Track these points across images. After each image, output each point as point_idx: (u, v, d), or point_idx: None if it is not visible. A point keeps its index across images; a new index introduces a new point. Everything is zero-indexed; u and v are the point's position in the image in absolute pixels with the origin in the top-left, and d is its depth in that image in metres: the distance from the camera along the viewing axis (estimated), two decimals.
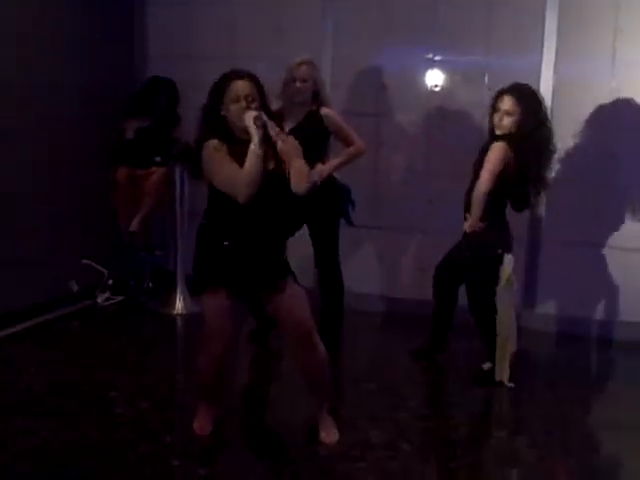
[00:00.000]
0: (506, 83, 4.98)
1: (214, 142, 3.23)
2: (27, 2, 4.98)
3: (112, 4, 5.76)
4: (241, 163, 3.17)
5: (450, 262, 4.46)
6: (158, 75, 5.75)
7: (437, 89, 5.38)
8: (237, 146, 3.23)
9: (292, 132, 4.00)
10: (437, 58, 5.36)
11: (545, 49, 5.09)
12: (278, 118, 3.53)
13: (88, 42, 5.50)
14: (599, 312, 5.22)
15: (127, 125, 5.64)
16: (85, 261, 5.59)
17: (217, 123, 3.28)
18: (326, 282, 4.73)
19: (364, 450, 3.52)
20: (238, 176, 3.15)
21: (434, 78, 5.39)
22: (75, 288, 5.55)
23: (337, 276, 4.73)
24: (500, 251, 4.21)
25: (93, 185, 5.57)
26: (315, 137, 4.43)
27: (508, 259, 4.22)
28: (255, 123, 3.15)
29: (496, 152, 4.15)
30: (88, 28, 5.50)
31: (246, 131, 3.19)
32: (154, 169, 5.61)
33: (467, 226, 4.24)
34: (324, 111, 4.48)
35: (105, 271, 5.68)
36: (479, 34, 5.24)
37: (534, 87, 4.91)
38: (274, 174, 3.26)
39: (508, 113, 4.18)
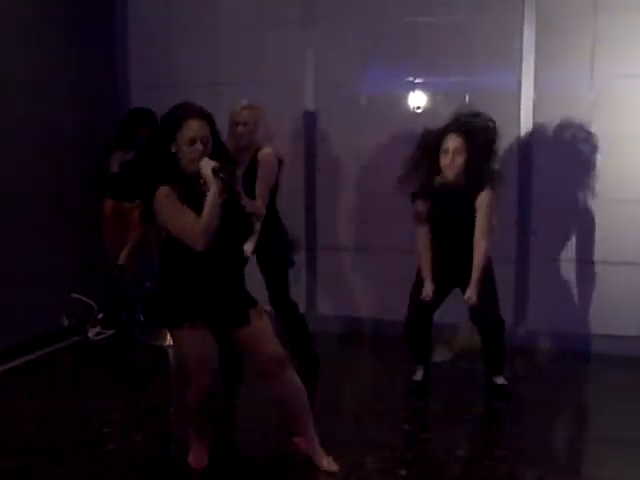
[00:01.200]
0: (487, 102, 5.05)
1: (165, 189, 3.14)
2: (6, 35, 5.00)
3: (94, 33, 5.78)
4: (193, 204, 3.13)
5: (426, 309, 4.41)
6: (138, 107, 5.77)
7: (419, 111, 5.41)
8: (187, 187, 3.18)
9: (244, 178, 4.12)
10: (418, 80, 5.40)
11: (524, 65, 5.14)
12: (233, 162, 3.47)
13: (69, 74, 5.53)
14: (588, 327, 5.22)
15: (112, 158, 5.65)
16: (74, 295, 5.57)
17: (166, 162, 3.19)
18: (285, 319, 4.68)
19: (360, 476, 3.50)
20: (195, 226, 3.09)
21: (416, 100, 5.43)
22: (66, 323, 5.53)
23: (293, 311, 4.72)
24: None
25: (81, 219, 5.57)
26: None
27: None
28: (215, 174, 3.06)
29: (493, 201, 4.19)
30: (69, 59, 5.53)
31: (198, 173, 3.14)
32: (140, 201, 5.60)
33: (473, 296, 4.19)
34: (260, 154, 4.47)
35: (94, 305, 5.66)
36: (458, 55, 5.28)
37: (516, 104, 5.02)
38: (228, 209, 3.18)
39: (458, 152, 4.14)
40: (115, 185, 5.64)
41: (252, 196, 4.21)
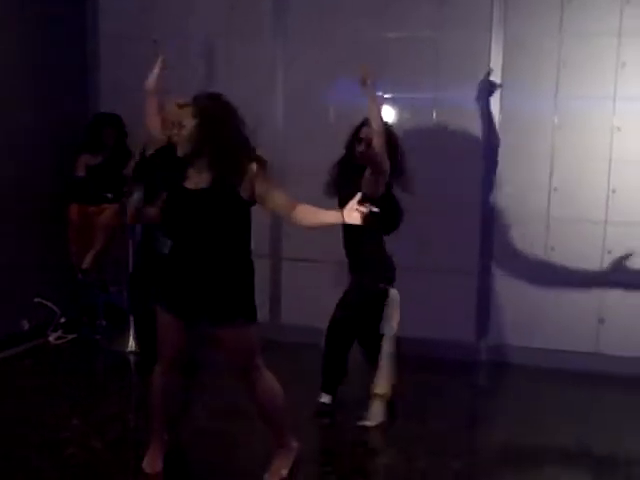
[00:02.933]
0: (453, 118, 5.13)
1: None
2: None
3: (64, 35, 5.78)
4: None
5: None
6: (104, 111, 5.76)
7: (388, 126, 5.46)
8: None
9: None
10: (387, 95, 5.46)
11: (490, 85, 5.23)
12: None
13: (39, 77, 5.52)
14: (548, 342, 5.30)
15: (78, 162, 5.63)
16: (37, 299, 5.53)
17: None
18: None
19: None
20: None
21: (384, 115, 5.45)
22: (26, 326, 5.48)
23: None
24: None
25: (45, 223, 5.54)
26: None
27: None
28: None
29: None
30: (39, 61, 5.51)
31: None
32: (106, 206, 5.59)
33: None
34: None
35: (57, 309, 5.62)
36: (427, 71, 5.36)
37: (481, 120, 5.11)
38: (205, 192, 3.25)
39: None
40: (80, 190, 5.61)
41: None
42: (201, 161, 3.25)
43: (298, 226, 3.35)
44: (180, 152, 3.27)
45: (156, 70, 4.89)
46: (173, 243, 3.34)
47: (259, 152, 3.36)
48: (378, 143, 4.17)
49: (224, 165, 3.23)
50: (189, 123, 3.22)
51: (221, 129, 3.24)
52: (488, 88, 5.21)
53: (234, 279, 3.33)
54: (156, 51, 5.06)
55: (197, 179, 3.27)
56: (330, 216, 3.33)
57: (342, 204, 4.14)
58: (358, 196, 3.24)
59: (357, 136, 4.37)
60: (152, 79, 4.88)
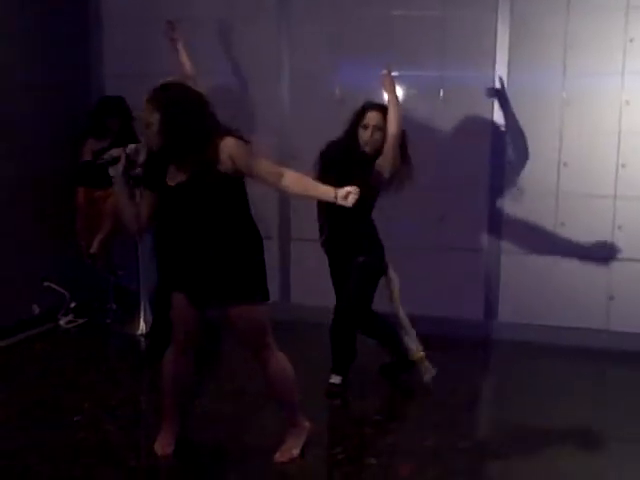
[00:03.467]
0: (461, 97, 5.09)
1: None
2: None
3: (67, 22, 5.75)
4: None
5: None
6: (107, 95, 5.76)
7: None
8: None
9: None
10: (393, 74, 5.40)
11: (498, 62, 5.18)
12: None
13: (42, 62, 5.50)
14: (558, 320, 5.29)
15: (84, 147, 5.62)
16: (46, 283, 5.55)
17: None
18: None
19: (331, 466, 3.54)
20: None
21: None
22: (37, 311, 5.51)
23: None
24: None
25: (54, 207, 5.55)
26: None
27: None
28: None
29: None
30: (42, 48, 5.49)
31: None
32: (112, 190, 5.58)
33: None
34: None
35: (67, 293, 5.65)
36: (433, 49, 5.32)
37: (489, 100, 5.09)
38: (185, 185, 3.25)
39: (380, 128, 4.21)
40: (87, 173, 5.61)
41: None
42: (174, 152, 3.23)
43: (287, 194, 3.48)
44: (154, 148, 3.27)
45: (181, 51, 5.06)
46: (171, 236, 3.37)
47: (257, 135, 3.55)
48: (392, 146, 4.16)
49: (194, 150, 3.20)
50: (154, 118, 3.19)
51: (182, 115, 3.19)
52: (494, 94, 5.18)
53: (239, 258, 3.33)
54: (172, 34, 5.06)
55: (175, 174, 3.27)
56: (320, 190, 3.32)
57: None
58: (355, 190, 3.22)
59: (361, 122, 4.28)
60: (186, 62, 5.06)
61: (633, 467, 3.67)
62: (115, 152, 3.45)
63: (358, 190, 3.22)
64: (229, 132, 3.28)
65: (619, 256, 5.15)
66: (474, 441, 3.92)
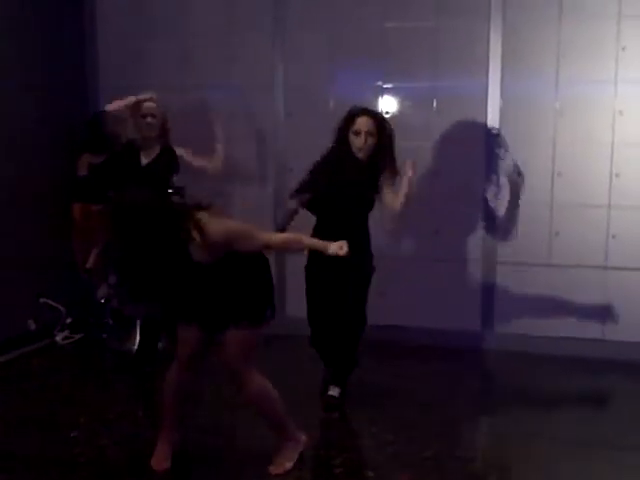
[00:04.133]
0: (453, 107, 5.11)
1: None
2: None
3: (63, 35, 5.78)
4: None
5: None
6: (103, 109, 5.76)
7: (387, 115, 5.44)
8: None
9: (148, 166, 4.72)
10: (387, 85, 5.45)
11: (490, 72, 5.21)
12: None
13: (39, 75, 5.54)
14: (555, 330, 5.28)
15: (80, 161, 5.62)
16: (42, 299, 5.54)
17: None
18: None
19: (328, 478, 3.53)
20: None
21: (384, 104, 5.47)
22: (33, 327, 5.49)
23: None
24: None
25: (50, 222, 5.55)
26: (168, 171, 4.94)
27: None
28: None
29: None
30: (39, 60, 5.52)
31: None
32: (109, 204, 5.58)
33: None
34: (179, 151, 4.99)
35: (63, 309, 5.63)
36: (426, 60, 5.35)
37: (482, 109, 5.09)
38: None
39: (371, 134, 4.17)
40: (83, 188, 5.61)
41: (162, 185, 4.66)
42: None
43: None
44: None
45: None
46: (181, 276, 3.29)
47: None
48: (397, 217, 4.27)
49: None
50: None
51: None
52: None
53: (250, 280, 3.38)
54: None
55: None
56: (315, 246, 3.49)
57: (329, 200, 4.20)
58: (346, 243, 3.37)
59: (352, 128, 4.23)
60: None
61: (633, 476, 3.65)
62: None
63: (347, 243, 3.34)
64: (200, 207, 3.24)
65: (614, 265, 5.15)
66: (473, 451, 3.91)
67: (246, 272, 3.36)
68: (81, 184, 5.63)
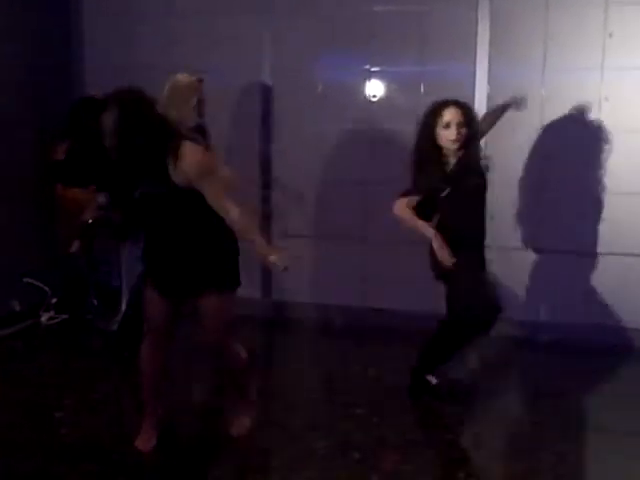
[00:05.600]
0: (441, 92, 5.09)
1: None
2: None
3: (48, 16, 5.71)
4: None
5: None
6: (88, 95, 5.72)
7: (374, 99, 5.46)
8: None
9: None
10: (374, 69, 5.44)
11: (478, 58, 5.21)
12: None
13: (23, 57, 5.48)
14: (546, 315, 5.32)
15: (58, 147, 5.55)
16: (26, 279, 5.52)
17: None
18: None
19: (311, 460, 3.55)
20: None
21: (372, 88, 5.46)
22: (17, 307, 5.48)
23: None
24: None
25: (33, 202, 5.52)
26: None
27: None
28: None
29: None
30: (22, 40, 5.46)
31: None
32: (93, 187, 5.54)
33: None
34: None
35: (47, 289, 5.62)
36: (414, 44, 5.33)
37: (470, 95, 5.09)
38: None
39: (462, 124, 3.94)
40: (61, 172, 5.56)
41: None
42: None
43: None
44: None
45: None
46: (148, 234, 3.45)
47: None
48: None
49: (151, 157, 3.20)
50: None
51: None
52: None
53: (215, 248, 3.40)
54: None
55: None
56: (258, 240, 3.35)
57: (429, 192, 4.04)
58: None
59: (441, 120, 3.95)
60: None
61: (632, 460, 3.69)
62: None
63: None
64: (186, 136, 3.29)
65: (605, 251, 5.18)
66: (458, 434, 3.95)
67: (213, 239, 3.39)
68: (58, 168, 5.57)
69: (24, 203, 5.44)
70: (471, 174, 4.03)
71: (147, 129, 3.15)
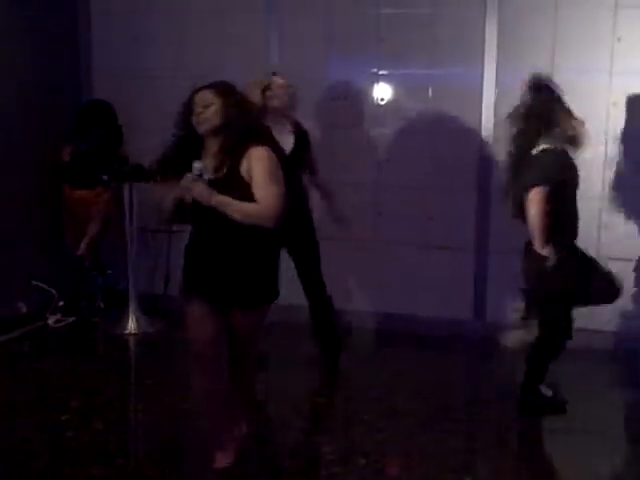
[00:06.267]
0: (449, 95, 5.10)
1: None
2: None
3: (56, 19, 5.72)
4: None
5: None
6: (96, 99, 5.74)
7: (382, 102, 5.45)
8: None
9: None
10: (382, 72, 5.43)
11: (486, 61, 5.19)
12: None
13: (32, 58, 5.49)
14: None
15: (64, 149, 5.57)
16: (34, 282, 5.53)
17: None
18: (314, 302, 4.74)
19: (319, 465, 3.55)
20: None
21: (379, 91, 5.46)
22: (24, 309, 5.49)
23: (323, 294, 4.74)
24: None
25: (40, 205, 5.53)
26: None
27: None
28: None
29: None
30: (29, 43, 5.47)
31: None
32: (100, 188, 5.56)
33: None
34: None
35: (54, 292, 5.63)
36: (422, 48, 5.32)
37: (478, 98, 5.07)
38: (222, 183, 3.13)
39: None
40: (68, 174, 5.58)
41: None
42: (214, 142, 3.18)
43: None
44: (203, 130, 3.17)
45: None
46: (195, 230, 3.29)
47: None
48: None
49: (242, 140, 3.16)
50: (215, 100, 3.17)
51: (241, 103, 3.25)
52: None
53: (260, 260, 3.24)
54: None
55: (209, 164, 3.18)
56: None
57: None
58: None
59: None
60: None
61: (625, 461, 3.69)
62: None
63: None
64: (268, 142, 3.27)
65: (604, 255, 5.16)
66: (463, 439, 3.94)
67: (259, 250, 3.23)
68: (65, 170, 5.60)
69: (31, 206, 5.45)
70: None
71: (251, 117, 3.25)
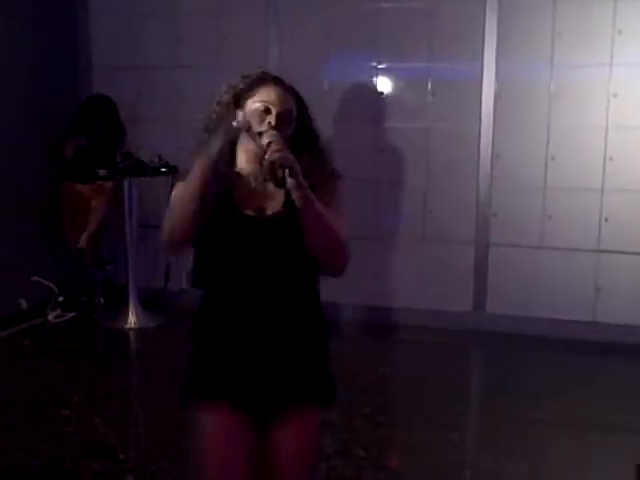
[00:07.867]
0: (448, 88, 5.09)
1: None
2: None
3: (55, 15, 5.71)
4: None
5: None
6: (97, 93, 5.73)
7: (382, 96, 5.44)
8: None
9: None
10: (381, 66, 5.42)
11: (485, 55, 5.18)
12: None
13: (33, 55, 5.48)
14: (546, 312, 5.29)
15: (66, 144, 5.57)
16: (34, 278, 5.53)
17: None
18: None
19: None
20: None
21: (379, 85, 5.44)
22: (24, 305, 5.49)
23: None
24: None
25: (41, 201, 5.53)
26: None
27: None
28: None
29: None
30: (29, 40, 5.47)
31: None
32: (100, 183, 5.56)
33: None
34: None
35: (55, 288, 5.62)
36: (421, 41, 5.31)
37: (477, 91, 5.07)
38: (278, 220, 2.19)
39: None
40: (70, 169, 5.58)
41: None
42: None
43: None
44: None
45: None
46: (223, 298, 2.20)
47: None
48: None
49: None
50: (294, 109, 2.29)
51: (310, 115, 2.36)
52: None
53: (313, 345, 2.28)
54: None
55: (262, 199, 2.21)
56: None
57: None
58: None
59: None
60: None
61: (623, 455, 3.68)
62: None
63: None
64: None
65: (606, 248, 5.16)
66: (463, 433, 3.93)
67: (310, 333, 2.26)
68: (67, 166, 5.60)
69: (31, 202, 5.44)
70: None
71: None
